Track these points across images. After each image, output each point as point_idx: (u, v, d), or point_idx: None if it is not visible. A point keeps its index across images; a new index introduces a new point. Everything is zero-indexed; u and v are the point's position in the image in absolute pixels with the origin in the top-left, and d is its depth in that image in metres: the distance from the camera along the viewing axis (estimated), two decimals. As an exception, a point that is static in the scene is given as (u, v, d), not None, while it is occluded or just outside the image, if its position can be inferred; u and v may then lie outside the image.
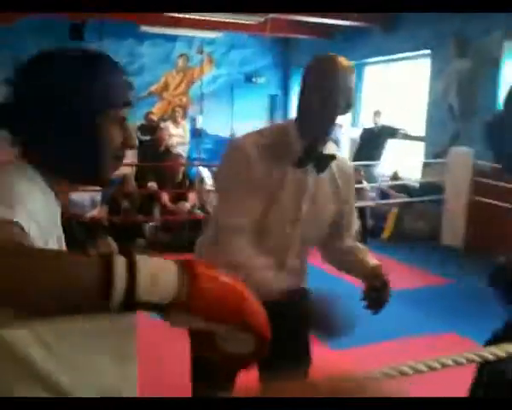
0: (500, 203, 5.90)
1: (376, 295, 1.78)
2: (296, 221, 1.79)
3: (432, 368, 1.17)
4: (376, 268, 1.83)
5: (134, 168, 7.25)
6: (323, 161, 1.77)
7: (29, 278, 0.77)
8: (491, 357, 1.22)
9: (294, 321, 1.86)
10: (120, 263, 0.76)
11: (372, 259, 1.89)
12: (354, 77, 1.74)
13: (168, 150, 7.71)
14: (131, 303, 0.77)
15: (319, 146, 1.76)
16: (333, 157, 1.79)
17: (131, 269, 0.76)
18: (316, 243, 1.93)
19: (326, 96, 1.67)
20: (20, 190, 1.02)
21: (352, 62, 1.79)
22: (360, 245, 2.01)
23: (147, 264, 0.78)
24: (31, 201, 1.01)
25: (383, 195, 7.47)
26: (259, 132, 1.82)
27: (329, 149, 1.81)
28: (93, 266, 0.77)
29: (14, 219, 0.92)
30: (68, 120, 1.10)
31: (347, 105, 1.72)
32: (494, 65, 6.47)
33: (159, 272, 0.78)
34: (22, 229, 0.92)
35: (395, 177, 7.62)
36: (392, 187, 7.48)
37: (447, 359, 1.18)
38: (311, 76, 1.73)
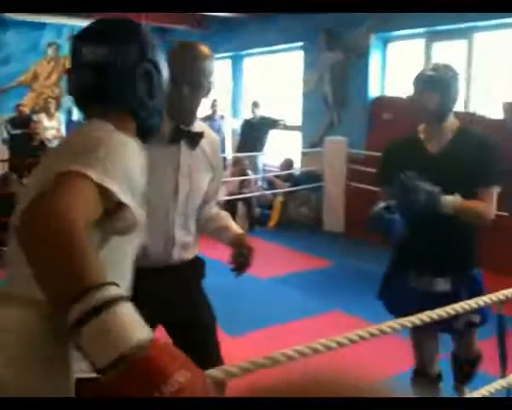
0: (373, 188, 6.30)
1: (244, 260, 2.01)
2: (176, 195, 1.92)
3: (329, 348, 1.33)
4: (242, 236, 2.06)
5: (6, 165, 6.78)
6: (194, 139, 1.94)
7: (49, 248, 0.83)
8: (377, 333, 1.42)
9: (191, 288, 2.06)
10: (92, 300, 0.77)
11: (237, 227, 2.11)
12: (213, 63, 1.91)
13: (43, 144, 7.30)
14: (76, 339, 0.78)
15: (187, 125, 1.93)
16: (201, 135, 1.96)
17: (92, 312, 0.76)
18: (195, 214, 2.04)
19: (187, 81, 1.83)
20: (126, 154, 1.08)
21: (209, 50, 1.91)
22: (223, 212, 2.20)
23: (113, 317, 0.76)
24: (133, 162, 1.09)
25: (270, 184, 7.66)
26: None
27: (198, 126, 1.98)
28: (79, 284, 0.79)
29: (108, 186, 0.98)
30: (155, 83, 1.28)
31: (209, 89, 1.90)
32: (362, 56, 6.88)
33: (108, 336, 0.75)
34: (112, 194, 1.00)
35: (289, 164, 7.83)
36: (278, 176, 7.70)
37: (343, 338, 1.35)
38: (172, 62, 1.83)
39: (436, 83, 2.25)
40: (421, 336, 2.35)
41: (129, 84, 1.23)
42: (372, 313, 4.14)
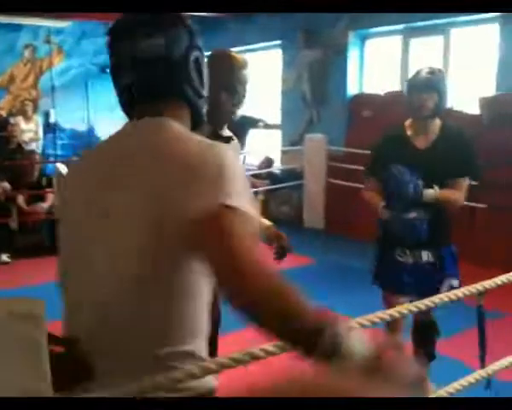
0: (353, 184, 6.32)
1: (284, 249, 2.29)
2: None
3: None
4: (272, 228, 2.27)
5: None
6: (225, 142, 2.10)
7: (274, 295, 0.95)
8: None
9: None
10: (330, 338, 0.90)
11: (265, 220, 2.30)
12: (248, 71, 2.07)
13: (20, 147, 7.21)
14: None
15: (220, 129, 2.15)
16: (232, 138, 2.19)
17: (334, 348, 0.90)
18: None
19: (225, 88, 1.99)
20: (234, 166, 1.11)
21: (245, 59, 2.10)
22: None
23: (349, 343, 0.91)
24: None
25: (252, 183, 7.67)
26: None
27: (226, 131, 2.16)
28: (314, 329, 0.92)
29: (251, 212, 1.04)
30: (203, 70, 1.26)
31: (244, 95, 2.07)
32: (341, 54, 6.91)
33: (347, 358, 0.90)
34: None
35: (269, 162, 7.82)
36: (257, 175, 7.70)
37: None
38: (211, 69, 1.90)
39: (435, 84, 2.58)
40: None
41: (185, 74, 1.19)
42: (356, 308, 4.20)
